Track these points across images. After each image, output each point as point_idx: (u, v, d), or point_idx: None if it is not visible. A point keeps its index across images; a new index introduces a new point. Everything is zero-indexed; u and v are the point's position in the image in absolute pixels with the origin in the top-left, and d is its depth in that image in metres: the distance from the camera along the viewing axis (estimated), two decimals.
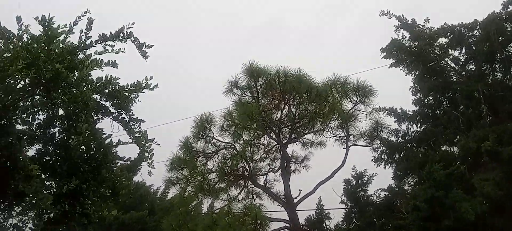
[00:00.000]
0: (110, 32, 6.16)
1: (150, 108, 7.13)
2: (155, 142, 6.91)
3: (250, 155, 13.81)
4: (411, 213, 15.83)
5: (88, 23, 6.17)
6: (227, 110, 13.34)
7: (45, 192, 5.56)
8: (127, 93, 6.68)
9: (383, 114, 15.48)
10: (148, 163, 6.78)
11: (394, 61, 19.70)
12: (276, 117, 13.41)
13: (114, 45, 6.25)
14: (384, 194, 19.24)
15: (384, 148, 19.12)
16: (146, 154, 6.77)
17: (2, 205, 6.37)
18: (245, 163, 13.73)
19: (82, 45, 6.10)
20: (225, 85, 13.32)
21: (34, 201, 5.48)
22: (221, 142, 13.73)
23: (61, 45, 5.91)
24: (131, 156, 7.47)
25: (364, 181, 19.30)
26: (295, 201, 12.93)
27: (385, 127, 13.67)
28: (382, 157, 19.55)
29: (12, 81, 5.38)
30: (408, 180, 19.05)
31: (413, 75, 20.26)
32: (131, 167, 7.94)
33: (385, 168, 19.88)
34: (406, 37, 19.55)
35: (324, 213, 18.73)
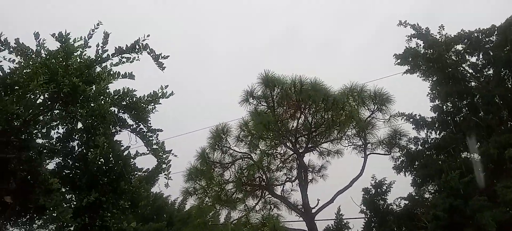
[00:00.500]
0: (126, 45, 6.23)
1: (166, 120, 7.15)
2: (173, 154, 6.95)
3: (266, 164, 13.76)
4: (431, 222, 15.47)
5: (104, 37, 6.27)
6: (243, 120, 13.33)
7: (65, 205, 5.60)
8: (144, 105, 6.74)
9: (401, 120, 15.23)
10: (165, 174, 6.81)
11: (408, 68, 19.47)
12: (292, 126, 13.33)
13: (130, 57, 6.30)
14: (404, 203, 18.87)
15: (403, 156, 18.80)
16: (164, 166, 6.80)
17: (23, 218, 6.45)
18: (262, 173, 13.67)
19: (99, 58, 6.18)
20: (240, 95, 13.34)
21: (55, 215, 5.53)
22: (238, 152, 13.71)
23: (78, 60, 6.00)
24: (148, 167, 7.55)
25: (383, 190, 18.96)
26: (314, 210, 12.78)
27: (404, 134, 13.44)
28: (402, 165, 19.22)
29: (32, 97, 5.46)
30: (428, 187, 18.67)
31: (430, 81, 19.95)
32: (149, 178, 7.95)
33: (405, 175, 19.54)
34: (420, 45, 19.31)
35: (343, 223, 18.42)
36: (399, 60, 18.79)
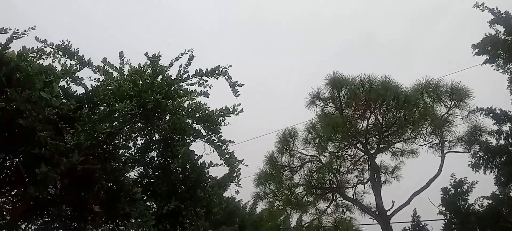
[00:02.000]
0: (206, 68, 6.60)
1: (235, 126, 7.35)
2: (244, 164, 7.14)
3: (336, 167, 13.55)
4: None
5: (188, 59, 6.65)
6: (310, 123, 13.24)
7: (147, 213, 5.93)
8: (216, 117, 6.99)
9: (480, 115, 14.14)
10: (235, 182, 7.01)
11: (487, 57, 17.98)
12: (362, 127, 12.98)
13: (208, 80, 6.62)
14: (488, 202, 17.51)
15: (482, 153, 17.42)
16: (234, 174, 7.00)
17: (110, 225, 6.93)
18: (332, 175, 13.48)
19: (180, 78, 6.53)
20: (306, 98, 13.26)
21: (139, 222, 5.87)
22: (306, 155, 13.66)
23: (160, 77, 6.37)
24: (217, 175, 7.82)
25: (464, 189, 17.75)
26: (388, 213, 12.32)
27: (484, 130, 12.52)
28: (481, 162, 17.81)
29: (117, 113, 5.86)
30: None
31: (509, 73, 18.27)
32: (220, 184, 8.19)
33: (485, 173, 18.11)
34: (500, 31, 17.74)
35: (421, 225, 17.51)
36: (477, 50, 17.45)
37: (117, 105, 5.63)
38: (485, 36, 16.84)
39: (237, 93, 6.78)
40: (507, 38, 17.09)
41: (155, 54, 6.47)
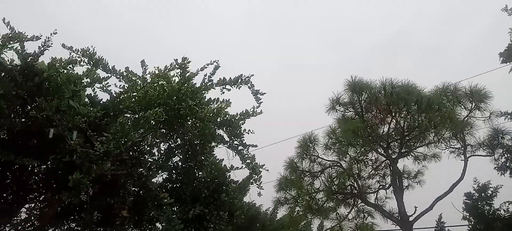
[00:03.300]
0: (230, 78, 6.78)
1: (256, 129, 7.45)
2: (265, 169, 7.22)
3: (357, 172, 13.45)
4: None
5: (214, 68, 6.82)
6: (330, 128, 13.19)
7: (173, 217, 6.04)
8: (237, 122, 7.09)
9: (505, 119, 13.84)
10: (257, 184, 7.09)
11: None
12: (383, 131, 12.87)
13: (230, 89, 6.75)
14: None
15: (508, 155, 17.00)
16: (255, 176, 7.08)
17: (137, 230, 7.06)
18: (353, 180, 13.39)
19: (204, 86, 6.67)
20: (325, 105, 13.23)
21: (166, 227, 5.98)
22: (326, 160, 13.61)
23: (185, 85, 6.51)
24: (238, 179, 7.92)
25: (488, 194, 17.34)
26: (411, 219, 12.15)
27: (507, 133, 12.28)
28: (507, 164, 17.37)
29: (146, 119, 5.99)
30: None
31: None
32: (241, 188, 8.27)
33: (510, 177, 17.64)
34: None
35: None
36: (503, 58, 17.14)
37: (147, 112, 5.76)
38: (510, 43, 16.53)
39: (260, 101, 6.88)
40: None
41: (184, 58, 6.59)
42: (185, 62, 6.50)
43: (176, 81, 6.56)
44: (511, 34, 16.82)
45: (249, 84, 6.82)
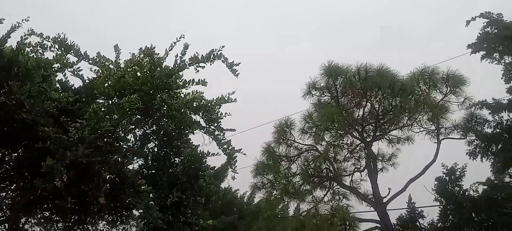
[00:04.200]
0: (202, 54, 6.61)
1: (233, 117, 7.42)
2: (242, 153, 7.23)
3: (333, 155, 13.63)
4: None
5: (183, 48, 6.67)
6: (307, 113, 13.30)
7: (151, 204, 5.99)
8: (213, 107, 7.05)
9: (474, 109, 14.26)
10: (232, 169, 7.12)
11: (484, 53, 18.10)
12: (358, 115, 13.06)
13: (204, 66, 6.64)
14: (483, 188, 17.69)
15: (479, 140, 17.60)
16: (231, 161, 7.10)
17: (114, 217, 6.98)
18: (328, 164, 13.58)
19: (177, 68, 6.55)
20: (302, 89, 13.30)
21: (144, 213, 5.93)
22: (303, 144, 13.73)
23: (158, 69, 6.39)
24: (215, 165, 7.92)
25: (457, 176, 17.95)
26: (385, 200, 12.47)
27: (480, 117, 12.71)
28: (478, 150, 17.99)
29: (117, 105, 5.87)
30: (509, 170, 17.33)
31: (503, 64, 18.42)
32: (218, 174, 8.28)
33: (482, 161, 18.30)
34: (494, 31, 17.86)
35: (417, 211, 17.67)
36: (472, 49, 17.61)
37: (123, 99, 5.65)
38: (479, 35, 17.00)
39: (237, 73, 6.79)
40: (502, 31, 17.15)
41: (148, 47, 6.45)
42: (151, 49, 6.36)
43: (148, 66, 6.43)
44: (483, 29, 17.25)
45: (222, 58, 6.72)
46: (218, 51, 6.63)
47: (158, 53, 6.51)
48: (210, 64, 6.65)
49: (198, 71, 6.67)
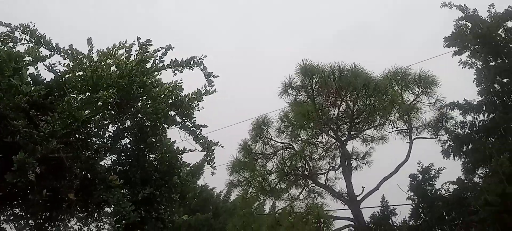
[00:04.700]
0: (182, 59, 6.65)
1: (209, 113, 7.45)
2: (220, 145, 7.25)
3: (309, 154, 13.82)
4: (483, 207, 14.86)
5: (165, 50, 6.65)
6: (283, 111, 13.44)
7: (124, 199, 5.96)
8: (189, 103, 7.04)
9: (446, 110, 14.72)
10: (210, 165, 7.14)
11: (456, 49, 18.63)
12: (334, 114, 13.29)
13: (183, 70, 6.66)
14: (454, 188, 18.24)
15: (450, 141, 18.12)
16: (209, 157, 7.13)
17: (85, 213, 6.90)
18: (304, 162, 13.75)
19: (156, 67, 6.54)
20: (278, 88, 13.43)
21: (116, 209, 5.89)
22: (279, 142, 13.87)
23: (137, 66, 6.36)
24: (191, 162, 7.92)
25: (431, 175, 18.44)
26: (359, 198, 12.73)
27: (451, 117, 13.12)
28: (450, 150, 18.51)
29: (92, 99, 5.81)
30: (479, 171, 17.91)
31: (475, 65, 19.02)
32: (194, 172, 8.27)
33: (454, 160, 18.84)
34: (469, 26, 18.42)
35: (390, 209, 18.08)
36: (447, 43, 18.10)
37: (99, 93, 5.59)
38: (453, 31, 17.48)
39: (213, 84, 6.86)
40: (474, 27, 17.70)
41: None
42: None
43: (125, 61, 6.38)
44: (457, 23, 17.80)
45: (201, 67, 6.77)
46: (199, 59, 6.67)
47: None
48: (190, 70, 6.69)
49: (175, 74, 6.69)
